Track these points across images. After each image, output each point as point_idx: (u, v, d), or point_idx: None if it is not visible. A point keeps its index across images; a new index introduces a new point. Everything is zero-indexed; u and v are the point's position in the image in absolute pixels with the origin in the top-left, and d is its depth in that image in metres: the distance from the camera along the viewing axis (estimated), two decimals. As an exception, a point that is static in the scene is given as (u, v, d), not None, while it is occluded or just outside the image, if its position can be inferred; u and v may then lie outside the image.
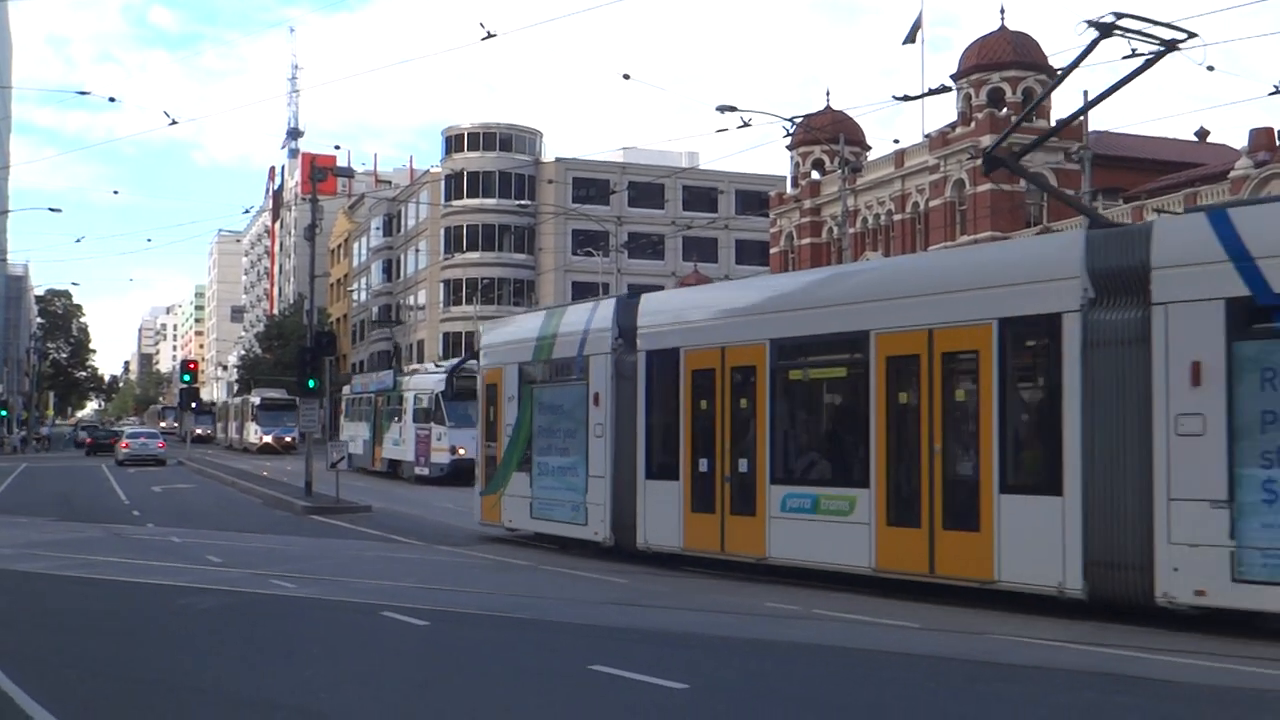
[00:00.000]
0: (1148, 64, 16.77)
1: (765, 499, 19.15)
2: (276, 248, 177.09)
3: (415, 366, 79.92)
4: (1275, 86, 33.94)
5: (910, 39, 68.12)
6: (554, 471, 24.03)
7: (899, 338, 17.34)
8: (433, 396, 47.15)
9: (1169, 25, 16.26)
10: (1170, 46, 16.30)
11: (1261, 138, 51.18)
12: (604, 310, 23.26)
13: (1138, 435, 14.56)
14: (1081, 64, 16.82)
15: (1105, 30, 16.21)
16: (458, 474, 41.38)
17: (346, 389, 65.49)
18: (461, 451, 42.66)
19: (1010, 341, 16.11)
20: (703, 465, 20.44)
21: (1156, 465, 14.29)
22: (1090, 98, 19.48)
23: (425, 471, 47.20)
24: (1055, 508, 15.19)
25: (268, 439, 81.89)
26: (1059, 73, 19.79)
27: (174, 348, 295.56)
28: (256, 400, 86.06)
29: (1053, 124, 60.61)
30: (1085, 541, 14.90)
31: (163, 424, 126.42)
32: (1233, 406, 13.72)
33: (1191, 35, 16.36)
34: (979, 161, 59.99)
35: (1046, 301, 15.58)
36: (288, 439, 78.63)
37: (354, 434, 58.15)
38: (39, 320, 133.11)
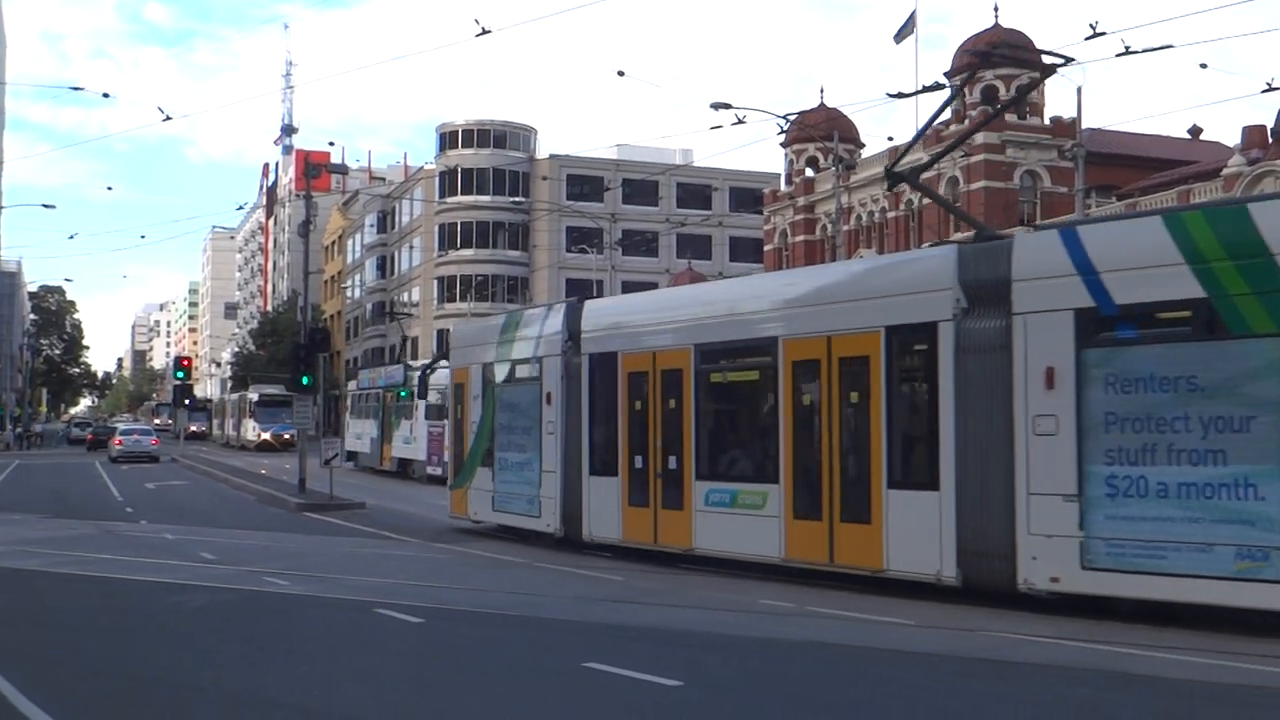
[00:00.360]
0: (1026, 90, 19.69)
1: (691, 494, 20.53)
2: (270, 244, 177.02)
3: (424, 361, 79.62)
4: (1268, 84, 34.00)
5: (900, 37, 68.16)
6: (513, 466, 25.40)
7: (803, 343, 18.69)
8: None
9: (1047, 52, 17.97)
10: (1048, 71, 18.66)
11: (1254, 135, 51.26)
12: (555, 315, 24.54)
13: (1003, 435, 15.77)
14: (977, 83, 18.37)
15: (985, 58, 16.89)
16: None
17: (352, 384, 63.60)
18: None
19: (896, 348, 17.41)
20: (638, 462, 21.84)
21: (1018, 462, 15.54)
22: (1081, 96, 20.22)
23: (439, 471, 45.17)
24: (933, 502, 16.47)
25: (266, 436, 80.00)
26: (949, 95, 21.57)
27: (167, 344, 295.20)
28: (255, 396, 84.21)
29: (1047, 121, 60.94)
30: (959, 533, 16.18)
31: (157, 421, 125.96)
32: (1081, 408, 14.95)
33: (1069, 60, 18.42)
34: (973, 159, 60.22)
35: (925, 311, 16.89)
36: (287, 436, 76.87)
37: (361, 432, 56.24)
38: (32, 317, 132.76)
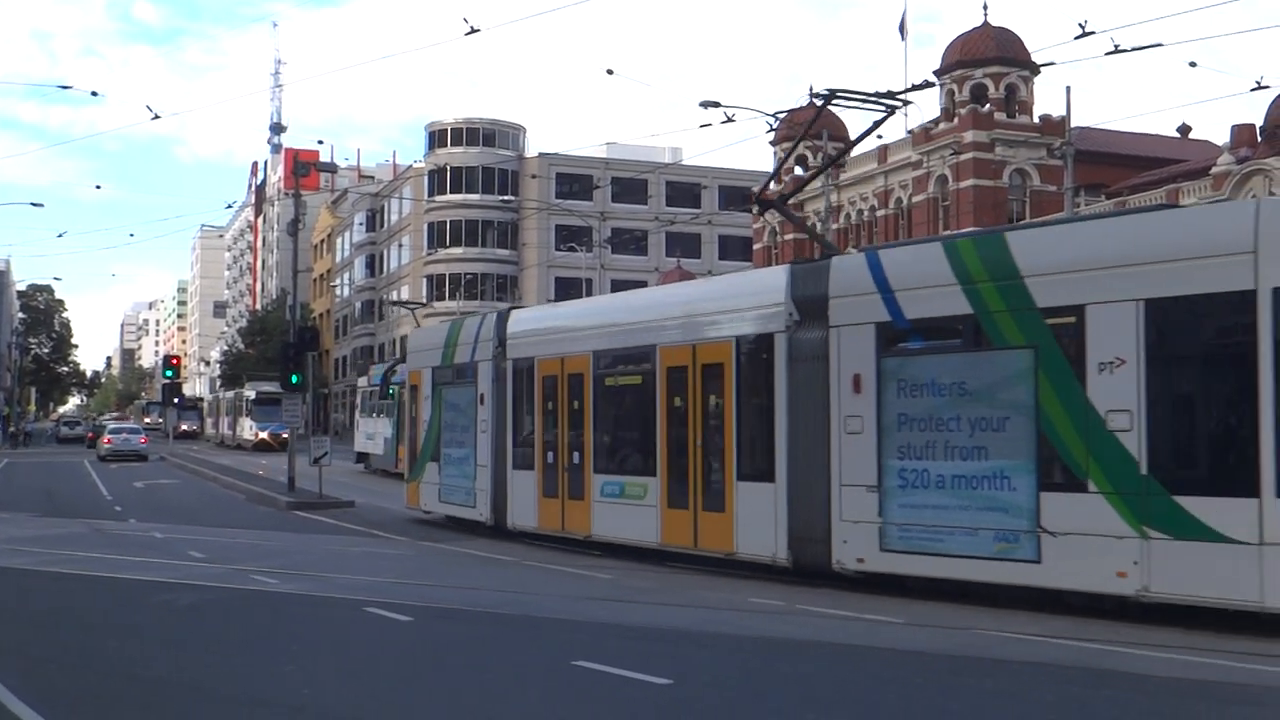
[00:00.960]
0: (872, 128, 21.29)
1: (590, 486, 22.81)
2: (259, 243, 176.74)
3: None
4: (1257, 83, 34.07)
5: (903, 32, 68.41)
6: (455, 461, 27.77)
7: (674, 351, 20.94)
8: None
9: (888, 94, 20.27)
10: (891, 111, 20.22)
11: (1243, 134, 51.40)
12: (489, 323, 26.89)
13: (822, 433, 17.90)
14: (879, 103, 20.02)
15: (828, 98, 20.11)
16: None
17: (363, 380, 61.22)
18: None
19: (743, 356, 19.55)
20: (550, 457, 24.10)
21: (833, 457, 17.71)
22: (1070, 94, 20.60)
23: None
24: (770, 493, 18.65)
25: (263, 435, 76.21)
26: (854, 140, 23.71)
27: (156, 343, 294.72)
28: (251, 394, 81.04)
29: (1036, 119, 61.03)
30: (790, 520, 18.37)
31: (147, 420, 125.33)
32: (880, 410, 17.08)
33: (907, 103, 20.66)
34: (962, 158, 60.29)
35: (765, 323, 19.11)
36: (285, 435, 74.45)
37: (373, 431, 51.92)
38: (21, 315, 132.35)
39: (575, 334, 23.96)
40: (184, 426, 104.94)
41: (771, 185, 23.02)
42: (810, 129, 21.09)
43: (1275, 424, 13.35)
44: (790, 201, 72.97)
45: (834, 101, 20.18)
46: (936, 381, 16.48)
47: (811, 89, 21.29)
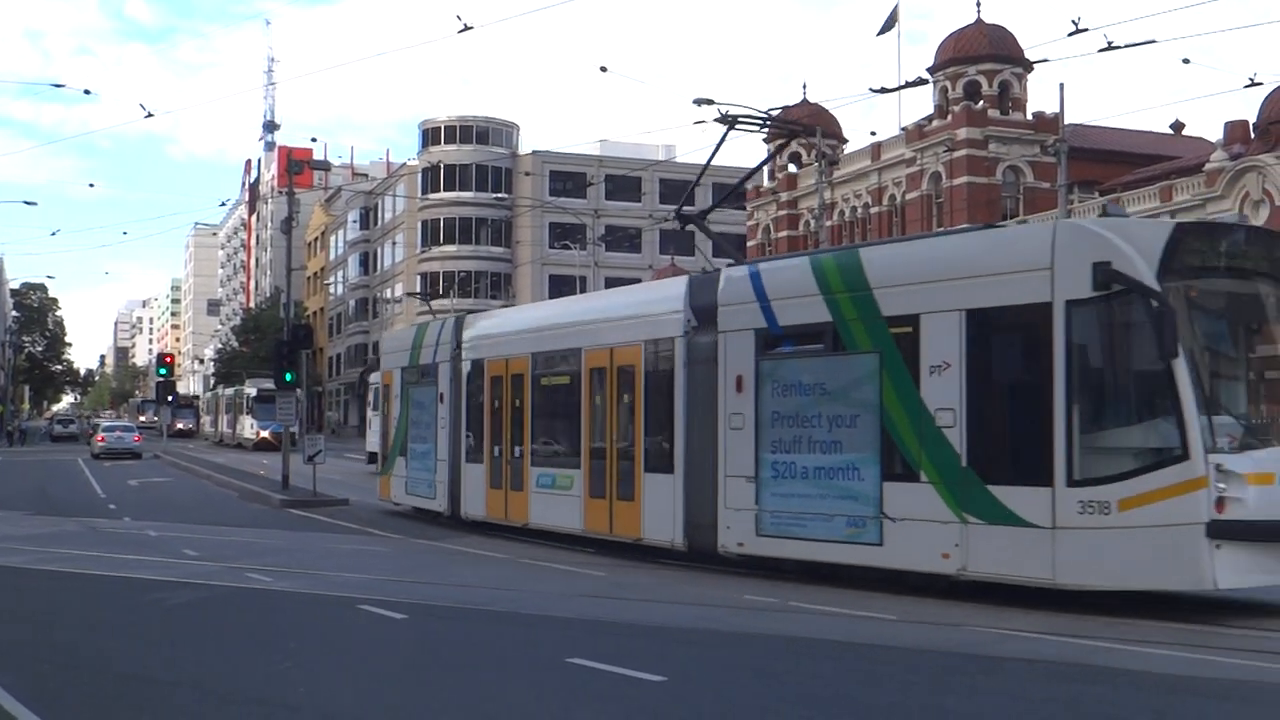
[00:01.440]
0: (772, 155, 27.86)
1: (528, 478, 24.72)
2: (253, 241, 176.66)
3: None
4: (1250, 79, 34.11)
5: (886, 29, 68.26)
6: (419, 456, 29.69)
7: (596, 353, 22.79)
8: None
9: (786, 122, 23.51)
10: (792, 135, 23.90)
11: (1236, 130, 51.42)
12: (448, 327, 28.89)
13: (711, 429, 19.57)
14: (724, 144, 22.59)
15: (732, 123, 22.49)
16: None
17: (375, 376, 58.88)
18: None
19: (650, 359, 21.39)
20: (495, 451, 26.07)
21: (720, 451, 19.39)
22: (1064, 91, 20.82)
23: None
24: (670, 484, 20.46)
25: (265, 434, 72.42)
26: (753, 167, 27.47)
27: (150, 341, 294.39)
28: (252, 392, 78.53)
29: (1029, 116, 61.06)
30: (686, 508, 20.14)
31: (143, 418, 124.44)
32: (758, 408, 18.76)
33: (809, 131, 23.78)
34: (956, 155, 60.32)
35: (667, 329, 20.92)
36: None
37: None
38: (14, 313, 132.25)
39: (518, 338, 26.09)
40: (180, 425, 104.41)
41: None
42: (713, 157, 23.71)
43: (1065, 420, 14.91)
44: (784, 199, 73.32)
45: (736, 127, 22.66)
46: (802, 382, 18.28)
47: (720, 116, 23.50)
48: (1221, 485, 14.08)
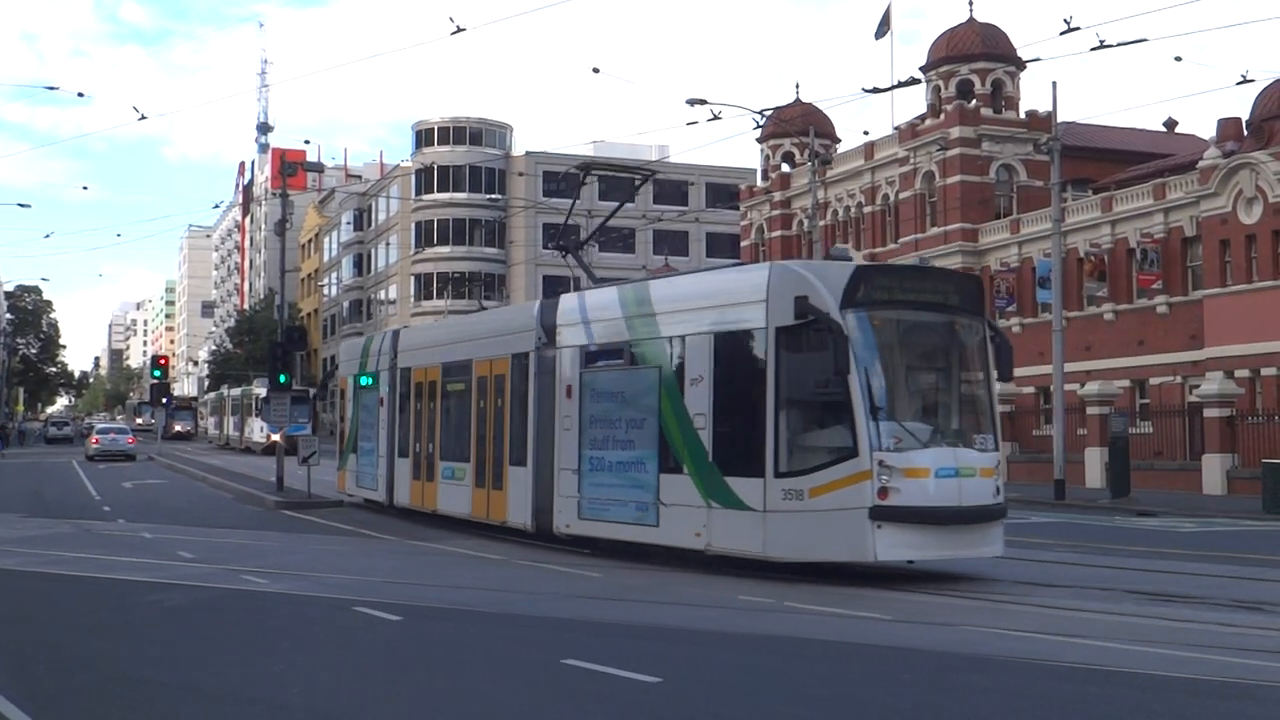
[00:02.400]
0: (628, 198, 29.37)
1: (437, 470, 28.72)
2: (247, 243, 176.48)
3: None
4: (1242, 76, 34.15)
5: (881, 33, 68.32)
6: (366, 453, 33.48)
7: (481, 364, 26.72)
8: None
9: (634, 168, 28.42)
10: (645, 179, 27.35)
11: (1229, 128, 51.46)
12: (388, 339, 33.00)
13: (551, 429, 23.35)
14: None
15: (586, 170, 26.28)
16: None
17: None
18: None
19: (514, 369, 25.18)
20: (416, 448, 30.05)
21: (556, 448, 23.13)
22: (1057, 90, 20.83)
23: None
24: (525, 475, 24.34)
25: (276, 437, 70.05)
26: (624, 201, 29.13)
27: (144, 343, 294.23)
28: (262, 392, 73.15)
29: (1022, 115, 61.10)
30: (534, 496, 23.93)
31: (140, 420, 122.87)
32: (581, 411, 22.42)
33: (653, 174, 28.05)
34: (949, 154, 60.32)
35: (524, 345, 24.74)
36: (305, 435, 68.09)
37: None
38: (8, 316, 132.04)
39: (434, 350, 30.00)
40: (178, 427, 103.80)
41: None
42: (576, 200, 29.06)
43: (774, 424, 18.20)
44: (778, 199, 73.36)
45: (590, 173, 26.23)
46: (610, 391, 21.98)
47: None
48: (885, 478, 17.22)
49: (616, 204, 28.01)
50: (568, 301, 23.76)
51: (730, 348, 19.37)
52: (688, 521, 19.66)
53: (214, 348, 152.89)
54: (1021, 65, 60.88)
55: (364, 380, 33.81)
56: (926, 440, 18.08)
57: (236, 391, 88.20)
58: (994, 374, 19.68)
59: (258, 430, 74.30)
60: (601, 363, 22.42)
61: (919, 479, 17.53)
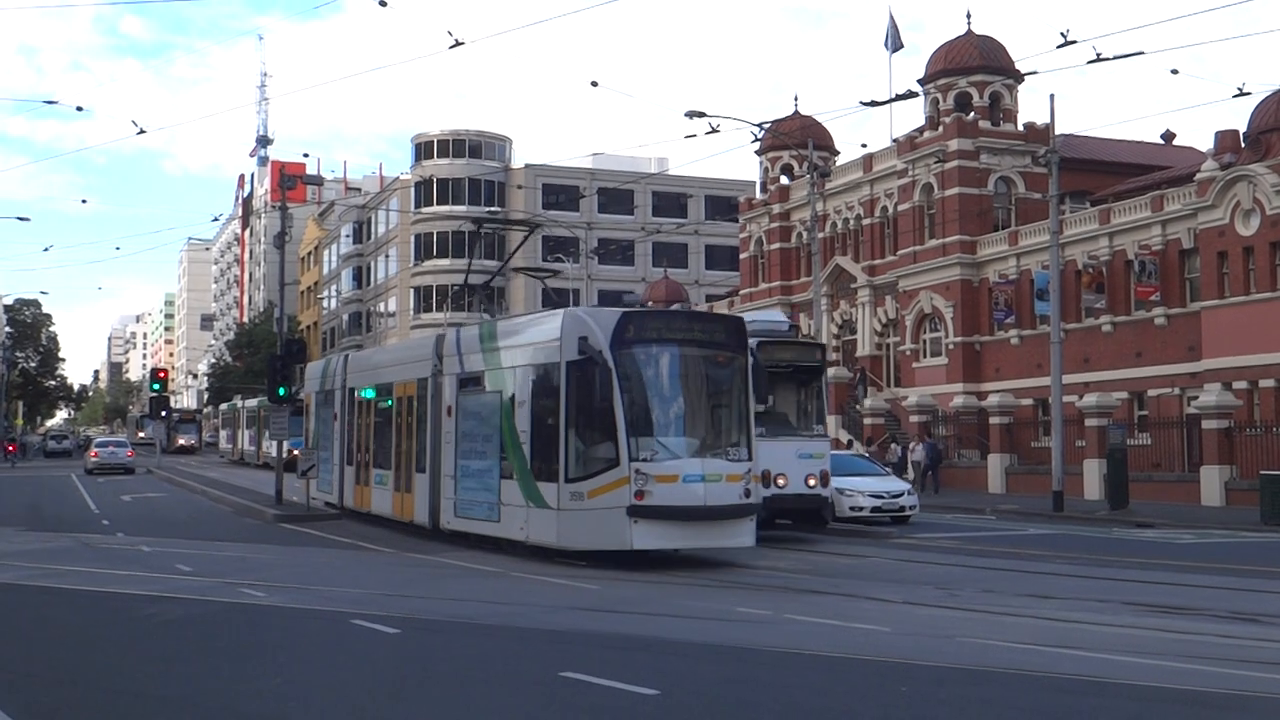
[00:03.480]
0: (523, 239, 39.08)
1: (371, 476, 33.04)
2: (246, 255, 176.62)
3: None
4: (1239, 89, 34.22)
5: (896, 46, 68.83)
6: (324, 461, 37.73)
7: (401, 386, 31.10)
8: None
9: (524, 221, 34.00)
10: (532, 230, 35.48)
11: (1227, 140, 51.45)
12: (341, 361, 37.55)
13: (439, 442, 27.70)
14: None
15: (480, 223, 37.61)
16: None
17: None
18: None
19: (419, 391, 29.40)
20: (358, 457, 34.41)
21: (442, 458, 27.55)
22: (1054, 102, 20.91)
23: None
24: (424, 480, 28.60)
25: (299, 452, 65.65)
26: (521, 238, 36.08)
27: (144, 356, 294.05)
28: None
29: (1020, 127, 61.20)
30: (429, 498, 28.23)
31: (142, 434, 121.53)
32: (457, 427, 26.81)
33: (538, 225, 36.76)
34: (947, 166, 60.38)
35: (424, 370, 29.17)
36: None
37: None
38: (8, 329, 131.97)
39: (373, 372, 34.19)
40: (182, 440, 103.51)
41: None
42: (511, 257, 37.38)
43: (565, 440, 22.22)
44: (777, 211, 73.43)
45: (484, 226, 32.88)
46: (474, 410, 26.21)
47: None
48: (640, 482, 21.08)
49: (557, 262, 32.65)
50: (450, 336, 28.38)
51: (541, 377, 23.48)
52: (517, 518, 23.87)
53: (213, 360, 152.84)
54: (1019, 78, 60.88)
55: (322, 398, 38.23)
56: (680, 452, 21.77)
57: (253, 403, 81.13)
58: (752, 398, 23.24)
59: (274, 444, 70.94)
60: (470, 387, 26.75)
61: (669, 484, 21.28)
